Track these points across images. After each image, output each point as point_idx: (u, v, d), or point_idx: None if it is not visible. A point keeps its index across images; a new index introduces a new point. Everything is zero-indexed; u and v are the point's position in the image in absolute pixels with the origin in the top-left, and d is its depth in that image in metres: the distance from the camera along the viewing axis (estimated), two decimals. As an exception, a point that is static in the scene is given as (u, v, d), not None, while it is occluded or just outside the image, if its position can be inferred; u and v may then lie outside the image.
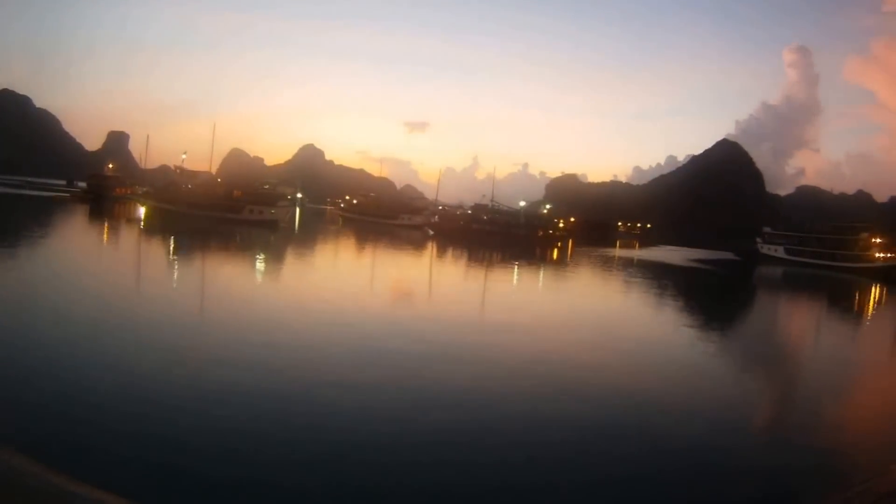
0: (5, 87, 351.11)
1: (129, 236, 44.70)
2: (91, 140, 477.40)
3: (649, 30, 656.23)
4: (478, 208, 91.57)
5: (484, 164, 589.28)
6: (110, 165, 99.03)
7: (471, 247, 63.01)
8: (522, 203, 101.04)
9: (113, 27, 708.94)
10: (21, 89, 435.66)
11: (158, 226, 51.29)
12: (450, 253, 56.47)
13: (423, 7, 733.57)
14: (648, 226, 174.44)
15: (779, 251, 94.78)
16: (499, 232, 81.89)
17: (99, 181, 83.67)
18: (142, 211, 65.22)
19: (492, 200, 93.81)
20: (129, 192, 79.92)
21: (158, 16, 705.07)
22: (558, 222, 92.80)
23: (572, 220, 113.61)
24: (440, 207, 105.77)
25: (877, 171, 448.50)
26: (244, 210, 64.00)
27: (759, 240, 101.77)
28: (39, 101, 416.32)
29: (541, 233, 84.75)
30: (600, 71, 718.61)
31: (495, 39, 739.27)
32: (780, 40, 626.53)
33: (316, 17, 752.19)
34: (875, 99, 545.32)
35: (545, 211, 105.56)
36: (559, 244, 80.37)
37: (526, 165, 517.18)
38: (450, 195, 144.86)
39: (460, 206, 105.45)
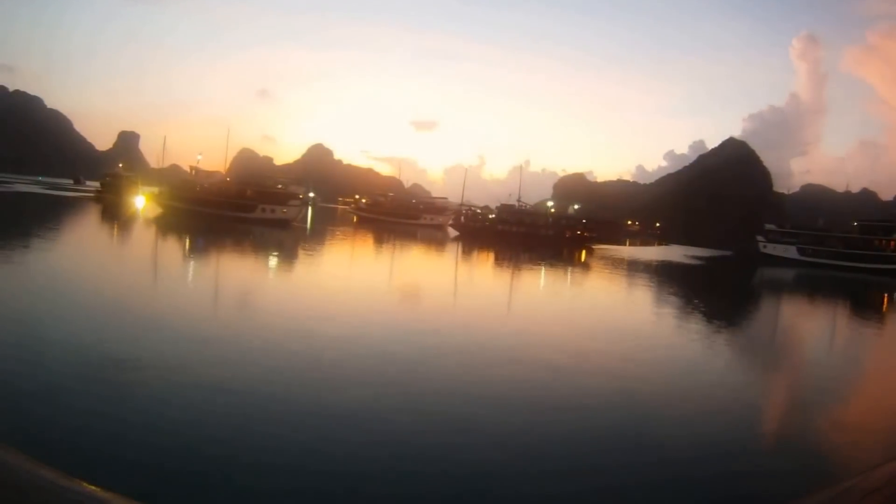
0: (17, 87, 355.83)
1: (155, 236, 45.92)
2: (102, 140, 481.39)
3: (652, 28, 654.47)
4: (504, 208, 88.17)
5: (490, 163, 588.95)
6: (120, 165, 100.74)
7: (510, 250, 60.83)
8: (550, 203, 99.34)
9: (121, 28, 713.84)
10: (32, 90, 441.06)
11: (177, 224, 52.47)
12: (501, 258, 53.10)
13: (428, 6, 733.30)
14: (657, 224, 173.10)
15: (789, 251, 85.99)
16: (526, 233, 79.58)
17: (114, 180, 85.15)
18: (156, 209, 66.57)
19: (518, 200, 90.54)
20: (141, 191, 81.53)
21: (166, 16, 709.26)
22: (586, 223, 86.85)
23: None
24: (458, 207, 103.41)
25: (881, 169, 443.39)
26: (257, 209, 65.43)
27: (760, 238, 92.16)
28: (51, 102, 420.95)
29: (568, 234, 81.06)
30: (602, 70, 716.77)
31: (500, 39, 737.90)
32: (786, 34, 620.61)
33: (320, 17, 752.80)
34: (877, 94, 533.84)
35: (573, 211, 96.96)
36: (590, 246, 76.47)
37: (527, 163, 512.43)
38: (457, 194, 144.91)
39: (486, 206, 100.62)
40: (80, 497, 5.27)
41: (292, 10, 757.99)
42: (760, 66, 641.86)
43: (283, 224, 64.03)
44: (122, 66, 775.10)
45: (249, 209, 65.32)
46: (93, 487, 5.64)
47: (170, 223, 53.46)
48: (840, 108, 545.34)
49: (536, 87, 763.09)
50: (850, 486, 8.55)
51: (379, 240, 62.45)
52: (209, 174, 71.22)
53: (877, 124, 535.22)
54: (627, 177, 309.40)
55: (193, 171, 71.45)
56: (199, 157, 72.89)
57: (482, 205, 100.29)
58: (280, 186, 70.40)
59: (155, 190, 74.61)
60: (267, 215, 65.15)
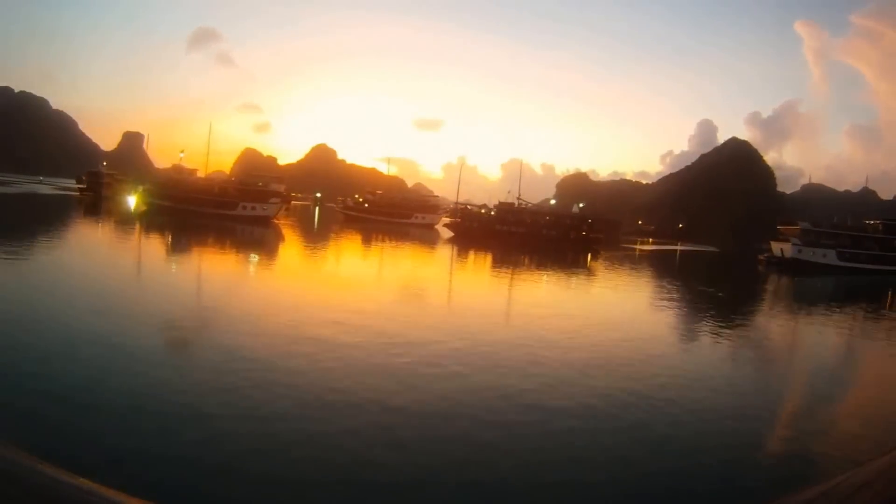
0: (23, 89, 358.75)
1: (138, 233, 45.68)
2: (108, 140, 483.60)
3: (652, 28, 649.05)
4: (502, 207, 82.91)
5: (489, 161, 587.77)
6: (104, 163, 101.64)
7: (517, 253, 56.17)
8: (553, 202, 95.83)
9: (128, 29, 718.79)
10: (39, 91, 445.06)
11: (159, 222, 52.31)
12: (516, 260, 49.29)
13: (431, 4, 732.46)
14: (681, 226, 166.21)
15: (829, 255, 70.91)
16: (526, 234, 75.30)
17: (95, 178, 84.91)
18: (141, 207, 66.56)
19: (518, 198, 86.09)
20: (124, 188, 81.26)
21: (172, 16, 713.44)
22: (591, 223, 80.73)
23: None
24: (458, 205, 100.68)
25: (882, 168, 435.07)
26: (238, 206, 65.74)
27: (796, 241, 71.68)
28: (56, 103, 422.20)
29: (573, 235, 75.95)
30: (601, 69, 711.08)
31: (500, 38, 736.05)
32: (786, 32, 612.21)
33: (322, 14, 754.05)
34: (877, 91, 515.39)
35: (577, 210, 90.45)
36: (596, 248, 71.94)
37: (521, 161, 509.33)
38: (455, 192, 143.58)
39: (484, 205, 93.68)
40: (78, 494, 5.08)
41: (296, 7, 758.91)
42: (761, 65, 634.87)
43: (263, 221, 64.65)
44: (128, 66, 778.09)
45: (231, 206, 65.77)
46: (91, 484, 5.26)
47: (152, 220, 53.60)
48: (837, 101, 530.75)
49: (535, 86, 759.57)
50: (841, 481, 7.98)
51: (364, 241, 59.55)
52: (193, 171, 71.64)
53: (872, 115, 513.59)
54: (628, 176, 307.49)
55: (176, 169, 71.70)
56: (182, 155, 73.09)
57: (480, 203, 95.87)
58: (261, 184, 70.26)
59: (141, 187, 74.44)
60: (248, 213, 65.71)
